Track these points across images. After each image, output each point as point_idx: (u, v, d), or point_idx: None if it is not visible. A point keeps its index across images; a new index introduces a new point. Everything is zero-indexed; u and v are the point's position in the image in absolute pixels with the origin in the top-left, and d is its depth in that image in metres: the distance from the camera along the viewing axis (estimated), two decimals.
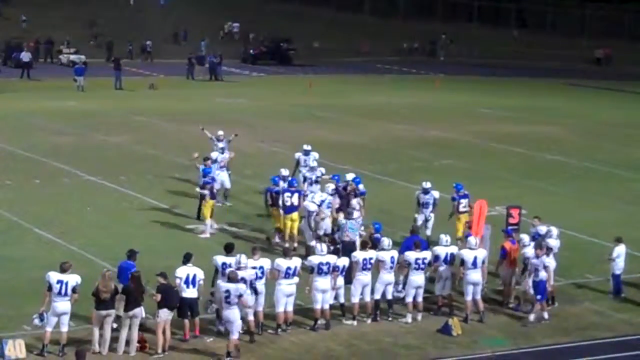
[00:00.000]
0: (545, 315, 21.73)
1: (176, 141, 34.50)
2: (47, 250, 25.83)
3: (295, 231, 26.13)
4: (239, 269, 19.94)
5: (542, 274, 21.51)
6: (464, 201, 26.41)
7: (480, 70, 74.43)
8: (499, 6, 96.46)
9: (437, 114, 52.28)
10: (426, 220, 26.71)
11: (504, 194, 31.60)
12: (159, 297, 19.46)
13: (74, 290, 19.12)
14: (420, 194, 26.89)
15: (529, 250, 22.23)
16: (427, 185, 26.95)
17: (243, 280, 19.74)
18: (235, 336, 19.40)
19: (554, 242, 23.02)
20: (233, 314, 19.37)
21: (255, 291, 20.17)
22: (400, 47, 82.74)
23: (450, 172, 36.66)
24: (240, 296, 19.33)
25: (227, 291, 19.34)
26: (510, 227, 23.95)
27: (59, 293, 19.03)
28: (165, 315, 19.48)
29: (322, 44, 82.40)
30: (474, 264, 21.71)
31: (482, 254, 22.00)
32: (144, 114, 48.37)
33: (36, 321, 19.16)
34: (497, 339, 20.94)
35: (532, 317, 21.43)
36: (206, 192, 27.43)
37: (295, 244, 25.60)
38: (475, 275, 21.72)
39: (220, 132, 32.22)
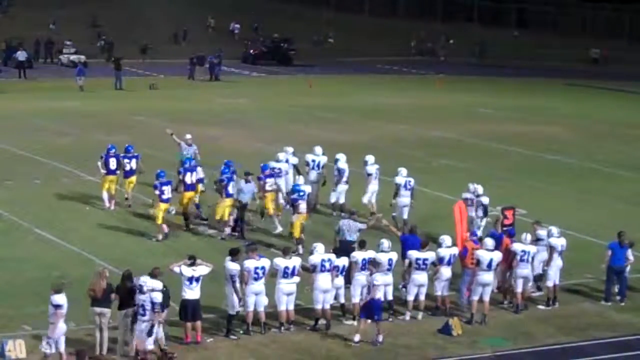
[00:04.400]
0: (380, 338, 20.33)
1: (171, 142, 34.53)
2: (47, 250, 25.85)
3: (130, 190, 29.59)
4: (141, 291, 18.86)
5: (379, 294, 20.41)
6: (269, 180, 28.15)
7: (480, 70, 74.40)
8: (499, 6, 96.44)
9: (437, 114, 52.25)
10: (404, 206, 28.17)
11: (503, 194, 31.56)
12: None
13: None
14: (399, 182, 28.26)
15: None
16: (404, 172, 28.46)
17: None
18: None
19: (555, 241, 23.00)
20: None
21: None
22: (409, 46, 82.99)
23: (451, 172, 36.66)
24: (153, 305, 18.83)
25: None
26: (506, 228, 24.03)
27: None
28: None
29: (322, 43, 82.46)
30: (489, 265, 21.75)
31: (497, 256, 22.00)
32: (144, 114, 48.36)
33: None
34: (497, 338, 20.93)
35: (356, 337, 20.21)
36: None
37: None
38: (487, 277, 21.74)
39: (188, 136, 32.09)
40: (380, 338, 20.28)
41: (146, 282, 18.79)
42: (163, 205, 27.00)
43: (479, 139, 44.70)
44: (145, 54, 72.55)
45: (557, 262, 22.90)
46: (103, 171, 29.82)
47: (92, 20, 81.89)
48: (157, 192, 27.03)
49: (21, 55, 63.45)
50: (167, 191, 27.14)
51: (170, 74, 65.39)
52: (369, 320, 20.29)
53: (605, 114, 54.87)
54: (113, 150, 29.69)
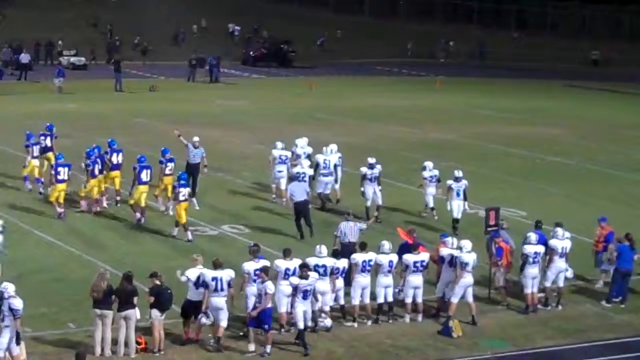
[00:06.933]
0: (268, 349, 19.64)
1: (176, 143, 34.53)
2: (47, 252, 25.87)
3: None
4: (2, 297, 18.11)
5: (267, 303, 19.74)
6: (170, 165, 29.59)
7: (480, 72, 74.41)
8: (499, 7, 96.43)
9: (436, 116, 52.28)
10: (374, 192, 29.18)
11: (503, 196, 31.61)
12: (151, 298, 19.50)
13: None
14: (367, 170, 29.27)
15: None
16: (373, 160, 29.42)
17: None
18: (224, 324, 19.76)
19: (555, 243, 22.87)
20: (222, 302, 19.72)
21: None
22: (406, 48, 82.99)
23: (450, 173, 36.58)
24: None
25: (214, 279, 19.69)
26: (490, 229, 23.88)
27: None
28: (156, 316, 19.47)
29: (321, 45, 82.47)
30: (473, 267, 21.83)
31: (475, 257, 22.07)
32: (144, 116, 48.38)
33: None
34: (497, 340, 20.95)
35: (251, 347, 19.65)
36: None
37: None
38: (471, 278, 21.78)
39: (196, 138, 32.14)
40: (268, 349, 19.67)
41: (7, 288, 18.17)
42: (59, 186, 28.48)
43: (479, 140, 44.71)
44: (145, 55, 72.53)
45: (558, 264, 22.82)
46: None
47: (94, 21, 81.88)
48: (52, 172, 28.64)
49: (25, 58, 63.45)
50: (63, 172, 28.61)
51: (170, 75, 65.41)
52: (259, 330, 19.82)
53: (606, 115, 54.87)
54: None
